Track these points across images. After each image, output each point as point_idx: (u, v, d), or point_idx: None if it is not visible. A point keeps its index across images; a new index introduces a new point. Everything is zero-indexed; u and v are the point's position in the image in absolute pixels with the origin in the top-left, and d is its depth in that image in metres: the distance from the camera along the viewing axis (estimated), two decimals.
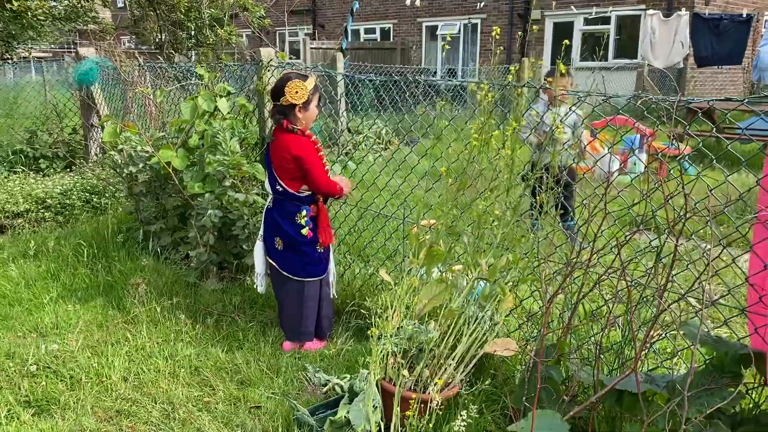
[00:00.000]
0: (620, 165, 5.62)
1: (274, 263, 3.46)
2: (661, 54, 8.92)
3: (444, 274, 2.85)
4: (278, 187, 3.35)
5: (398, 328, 2.76)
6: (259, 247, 3.51)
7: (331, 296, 3.58)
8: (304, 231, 3.34)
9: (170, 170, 4.21)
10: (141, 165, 4.50)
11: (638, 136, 7.90)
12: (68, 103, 8.20)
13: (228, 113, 4.37)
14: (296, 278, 3.41)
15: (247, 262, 4.10)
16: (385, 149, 9.55)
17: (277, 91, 3.28)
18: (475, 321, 2.78)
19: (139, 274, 4.20)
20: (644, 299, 2.55)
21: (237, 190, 4.00)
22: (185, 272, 4.22)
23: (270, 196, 3.46)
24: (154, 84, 6.07)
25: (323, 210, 3.39)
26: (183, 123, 4.46)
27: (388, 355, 2.68)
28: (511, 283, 2.76)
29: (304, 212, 3.34)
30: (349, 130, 9.81)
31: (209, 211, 3.94)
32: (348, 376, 3.02)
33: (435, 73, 19.33)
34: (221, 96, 4.41)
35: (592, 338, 2.69)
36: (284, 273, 3.42)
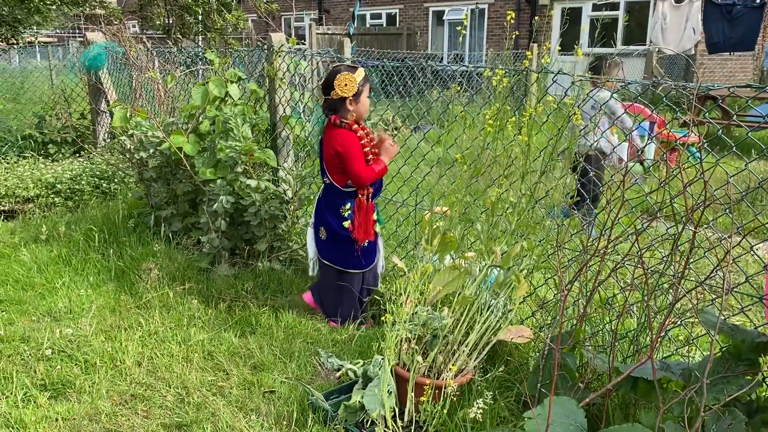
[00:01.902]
0: (638, 152, 5.61)
1: (317, 250, 3.57)
2: (673, 40, 8.84)
3: (457, 261, 2.84)
4: (326, 179, 3.43)
5: (412, 315, 2.77)
6: (310, 233, 3.61)
7: (378, 286, 3.64)
8: (346, 224, 3.37)
9: (181, 156, 4.21)
10: (152, 150, 4.50)
11: (649, 123, 7.86)
12: (76, 89, 8.19)
13: (239, 99, 4.36)
14: (336, 267, 3.49)
15: (258, 248, 4.11)
16: (394, 136, 9.55)
17: (327, 86, 3.32)
18: (488, 308, 2.79)
19: (151, 260, 4.21)
20: (660, 287, 2.55)
21: (249, 176, 3.99)
22: (197, 258, 4.23)
23: (321, 186, 3.53)
24: (163, 69, 6.05)
25: (364, 205, 3.41)
26: (194, 108, 4.46)
27: (402, 341, 2.68)
28: (525, 271, 2.76)
29: (348, 205, 3.38)
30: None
31: (221, 197, 3.94)
32: (361, 361, 3.03)
33: (442, 59, 19.22)
34: (232, 82, 4.40)
35: (607, 325, 2.69)
36: (325, 261, 3.53)
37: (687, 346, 2.75)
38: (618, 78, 2.60)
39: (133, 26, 18.41)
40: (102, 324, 3.53)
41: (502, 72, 2.73)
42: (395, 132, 9.35)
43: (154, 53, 6.26)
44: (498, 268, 2.80)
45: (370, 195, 3.44)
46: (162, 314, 3.63)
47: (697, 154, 6.66)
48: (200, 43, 10.06)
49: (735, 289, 2.31)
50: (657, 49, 9.78)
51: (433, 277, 2.85)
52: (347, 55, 9.66)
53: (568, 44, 16.02)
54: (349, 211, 3.37)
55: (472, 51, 19.41)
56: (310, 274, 3.68)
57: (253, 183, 3.91)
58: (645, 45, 14.63)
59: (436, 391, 2.55)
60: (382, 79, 11.63)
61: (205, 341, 3.35)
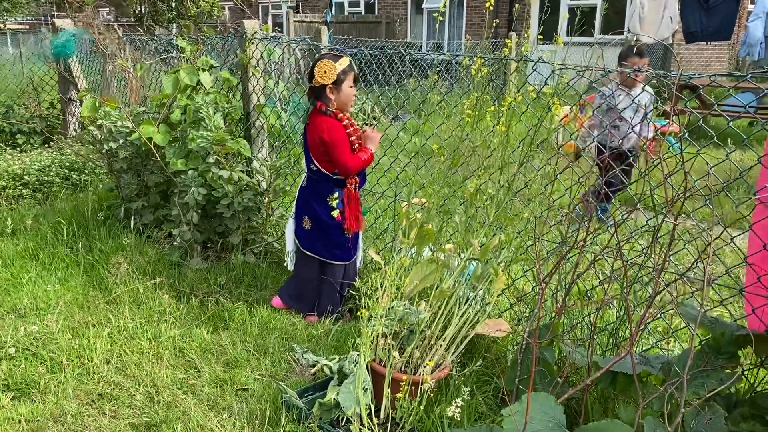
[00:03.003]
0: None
1: (297, 242, 3.47)
2: (650, 29, 8.83)
3: (435, 254, 2.78)
4: (312, 166, 3.33)
5: (388, 309, 2.71)
6: (290, 225, 3.52)
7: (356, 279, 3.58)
8: (334, 213, 3.29)
9: (152, 146, 4.08)
10: (121, 141, 4.36)
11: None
12: (45, 77, 7.97)
13: (211, 87, 4.25)
14: (319, 257, 3.40)
15: (232, 241, 4.01)
16: (372, 126, 9.45)
17: (311, 72, 3.27)
18: (466, 302, 2.73)
19: (121, 253, 4.09)
20: (640, 279, 2.51)
21: (221, 167, 3.89)
22: (168, 251, 4.12)
23: (304, 175, 3.43)
24: (135, 57, 5.89)
25: (353, 195, 3.34)
26: (164, 97, 4.33)
27: (378, 336, 2.62)
28: (503, 263, 2.71)
29: (336, 194, 3.31)
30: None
31: (192, 189, 3.84)
32: (337, 357, 2.96)
33: (421, 47, 19.11)
34: (204, 70, 4.28)
35: (586, 319, 2.65)
36: (307, 252, 3.43)
37: (666, 339, 2.72)
38: (605, 69, 2.54)
39: (108, 13, 18.03)
40: (69, 320, 3.41)
41: (481, 61, 2.67)
42: (374, 122, 9.25)
43: (125, 41, 6.10)
44: (476, 261, 2.74)
45: (357, 185, 3.37)
46: (132, 310, 3.52)
47: (677, 145, 6.68)
48: (174, 30, 9.85)
49: (715, 281, 2.28)
50: (635, 38, 9.77)
51: (410, 271, 2.79)
52: (324, 43, 9.55)
53: (547, 33, 16.03)
54: (338, 200, 3.30)
55: (451, 40, 19.32)
56: (289, 268, 3.60)
57: (225, 174, 3.81)
58: (623, 34, 14.66)
59: (413, 387, 2.50)
60: (360, 67, 11.50)
61: (177, 337, 3.25)
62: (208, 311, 3.55)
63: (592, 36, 15.41)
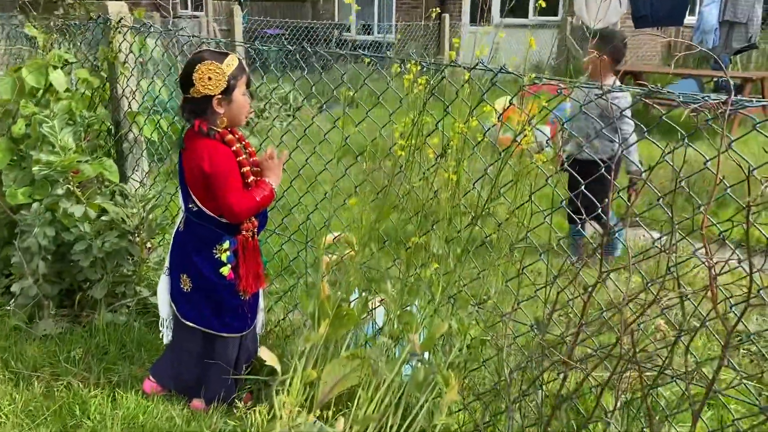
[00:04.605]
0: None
1: (174, 307, 2.53)
2: (597, 13, 8.23)
3: (359, 348, 1.94)
4: (192, 206, 2.39)
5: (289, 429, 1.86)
6: (163, 283, 2.57)
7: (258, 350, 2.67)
8: (224, 270, 2.35)
9: None
10: None
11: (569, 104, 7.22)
12: None
13: (66, 91, 3.24)
14: (205, 330, 2.48)
15: (95, 296, 3.05)
16: (294, 118, 8.48)
17: (186, 78, 2.27)
18: (407, 409, 1.92)
19: None
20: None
21: (76, 199, 2.92)
22: (7, 312, 3.11)
23: (181, 215, 2.49)
24: None
25: (250, 245, 2.42)
26: (4, 103, 3.30)
27: None
28: (457, 362, 1.89)
29: (226, 244, 2.35)
30: (251, 95, 8.61)
31: (36, 230, 2.86)
32: None
33: (349, 28, 18.14)
34: (56, 67, 3.26)
35: None
36: (188, 323, 2.49)
37: None
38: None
39: None
40: None
41: (416, 68, 1.82)
42: (294, 114, 8.28)
43: None
44: (416, 357, 1.91)
45: (256, 229, 2.47)
46: None
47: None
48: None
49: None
50: (580, 23, 9.20)
51: (322, 370, 1.95)
52: (238, 26, 8.47)
53: (480, 13, 15.36)
54: (228, 252, 2.38)
55: (381, 21, 18.40)
56: (165, 340, 2.67)
57: (78, 210, 2.84)
58: (557, 17, 14.14)
59: None
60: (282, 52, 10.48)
61: None
62: (55, 401, 2.60)
63: (527, 18, 14.86)
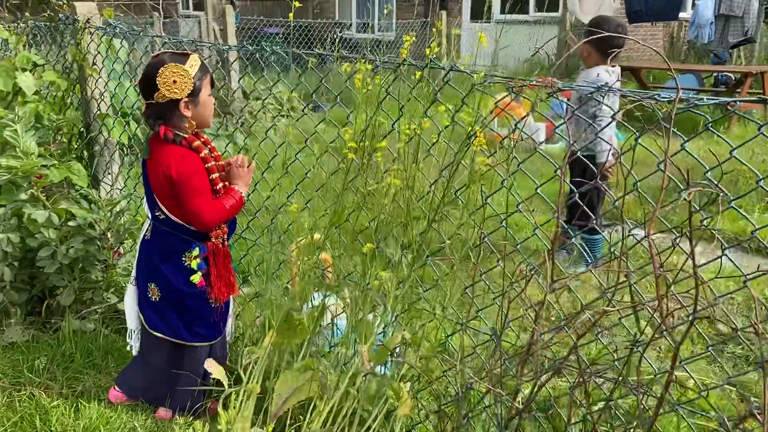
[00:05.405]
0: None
1: (142, 317, 2.45)
2: (591, 9, 8.11)
3: (313, 359, 1.87)
4: (158, 213, 2.31)
5: None
6: (130, 293, 2.49)
7: (227, 357, 2.60)
8: (195, 278, 2.28)
9: None
10: None
11: (566, 100, 7.10)
12: None
13: (34, 93, 3.18)
14: (175, 341, 2.41)
15: (62, 302, 2.99)
16: (286, 117, 8.39)
17: (148, 83, 2.18)
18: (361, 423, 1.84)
19: None
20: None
21: (41, 204, 2.86)
22: None
23: (147, 223, 2.41)
24: None
25: (220, 251, 2.35)
26: None
27: None
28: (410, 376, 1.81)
29: (195, 251, 2.29)
30: (245, 95, 8.52)
31: (0, 236, 2.80)
32: None
33: (350, 26, 18.07)
34: (24, 69, 3.21)
35: None
36: (156, 333, 2.41)
37: None
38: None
39: None
40: None
41: (369, 67, 1.73)
42: (290, 113, 8.21)
43: None
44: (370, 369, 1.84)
45: (226, 235, 2.39)
46: None
47: (621, 136, 5.93)
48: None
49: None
50: (574, 18, 9.08)
51: (275, 380, 1.87)
52: (230, 26, 8.41)
53: (481, 10, 15.26)
54: (199, 260, 2.31)
55: (381, 20, 18.31)
56: (133, 351, 2.59)
57: (41, 216, 2.77)
58: (558, 13, 13.99)
59: None
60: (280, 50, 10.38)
61: None
62: (17, 412, 2.54)
63: (528, 14, 14.73)
